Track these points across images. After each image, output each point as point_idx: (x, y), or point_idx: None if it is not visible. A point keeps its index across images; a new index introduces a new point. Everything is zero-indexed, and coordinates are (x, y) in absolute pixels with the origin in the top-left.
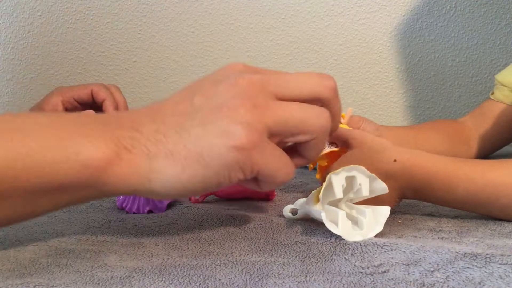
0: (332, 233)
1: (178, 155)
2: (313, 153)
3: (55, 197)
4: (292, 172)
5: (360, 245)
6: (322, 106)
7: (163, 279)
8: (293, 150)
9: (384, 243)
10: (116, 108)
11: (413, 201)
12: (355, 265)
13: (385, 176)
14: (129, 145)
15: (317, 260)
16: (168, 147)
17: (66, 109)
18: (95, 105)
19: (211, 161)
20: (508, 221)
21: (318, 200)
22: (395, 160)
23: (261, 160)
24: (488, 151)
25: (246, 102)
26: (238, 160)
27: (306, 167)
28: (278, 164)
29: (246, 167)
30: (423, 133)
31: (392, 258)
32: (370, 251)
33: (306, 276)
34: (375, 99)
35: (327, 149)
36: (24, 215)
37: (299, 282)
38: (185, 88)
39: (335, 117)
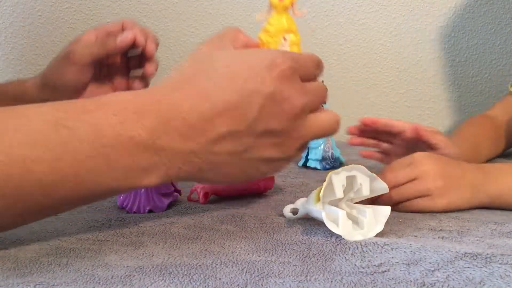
0: (333, 232)
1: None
2: None
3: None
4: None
5: (361, 245)
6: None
7: (164, 278)
8: None
9: (385, 242)
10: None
11: None
12: (355, 265)
13: (457, 181)
14: (176, 172)
15: (317, 259)
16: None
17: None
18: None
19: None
20: None
21: (318, 199)
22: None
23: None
24: (508, 145)
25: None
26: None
27: (307, 166)
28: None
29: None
30: (476, 146)
31: (392, 257)
32: (371, 251)
33: (307, 275)
34: (375, 99)
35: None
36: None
37: (299, 282)
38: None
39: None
